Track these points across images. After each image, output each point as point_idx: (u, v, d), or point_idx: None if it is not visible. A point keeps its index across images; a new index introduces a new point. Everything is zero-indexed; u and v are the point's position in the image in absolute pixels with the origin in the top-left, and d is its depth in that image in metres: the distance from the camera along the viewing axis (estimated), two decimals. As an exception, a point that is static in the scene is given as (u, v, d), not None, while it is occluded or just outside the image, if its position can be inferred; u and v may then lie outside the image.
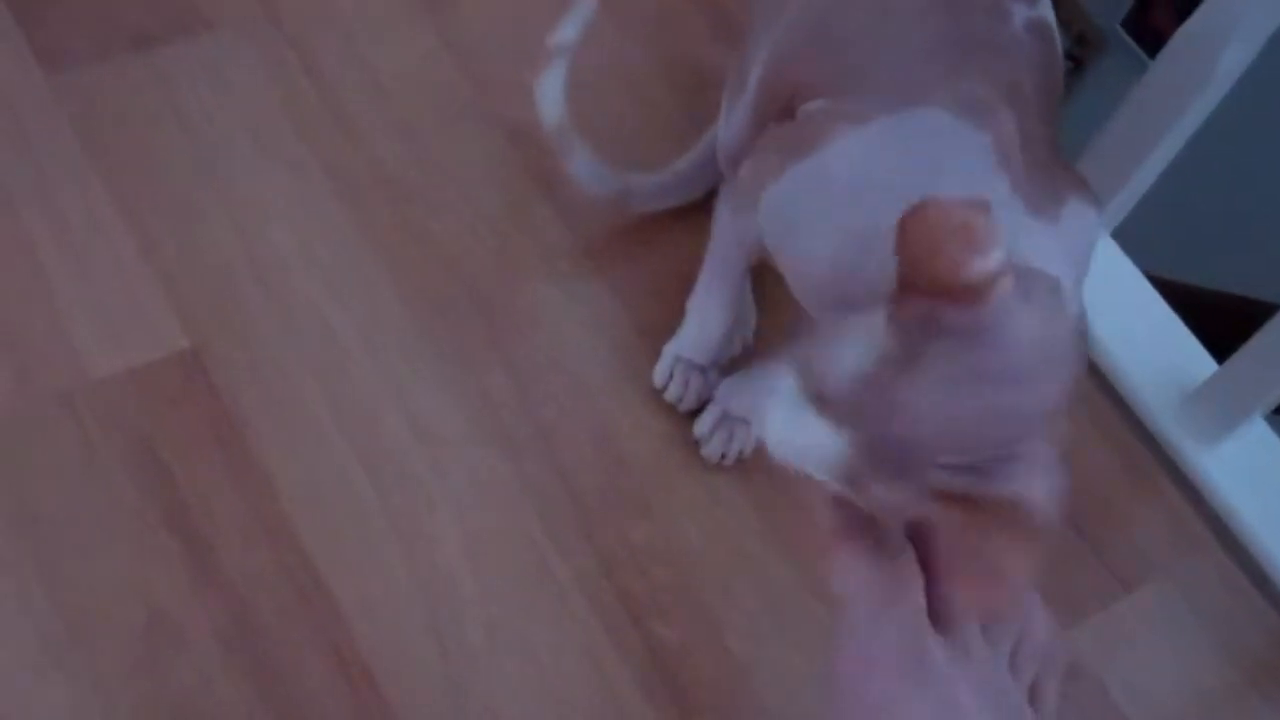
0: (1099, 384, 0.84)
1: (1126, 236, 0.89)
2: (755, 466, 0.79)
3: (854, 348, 0.49)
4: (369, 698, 0.70)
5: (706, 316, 0.80)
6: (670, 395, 0.81)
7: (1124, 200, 0.84)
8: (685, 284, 0.81)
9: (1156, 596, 0.60)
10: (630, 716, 0.72)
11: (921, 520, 0.52)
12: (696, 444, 0.80)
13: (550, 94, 0.80)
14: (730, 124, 0.78)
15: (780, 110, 0.72)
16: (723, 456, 0.80)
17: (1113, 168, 0.82)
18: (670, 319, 0.82)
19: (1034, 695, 0.56)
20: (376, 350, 0.80)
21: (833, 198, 0.63)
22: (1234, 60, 0.75)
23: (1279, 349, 0.77)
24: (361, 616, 0.72)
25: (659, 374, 0.81)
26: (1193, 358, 0.84)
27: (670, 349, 0.82)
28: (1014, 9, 0.65)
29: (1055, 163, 0.63)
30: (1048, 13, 0.67)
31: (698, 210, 0.85)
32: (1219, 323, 0.84)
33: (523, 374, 0.81)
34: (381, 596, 0.73)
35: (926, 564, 0.53)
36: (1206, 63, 0.75)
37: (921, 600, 0.53)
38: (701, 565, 0.77)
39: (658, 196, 0.86)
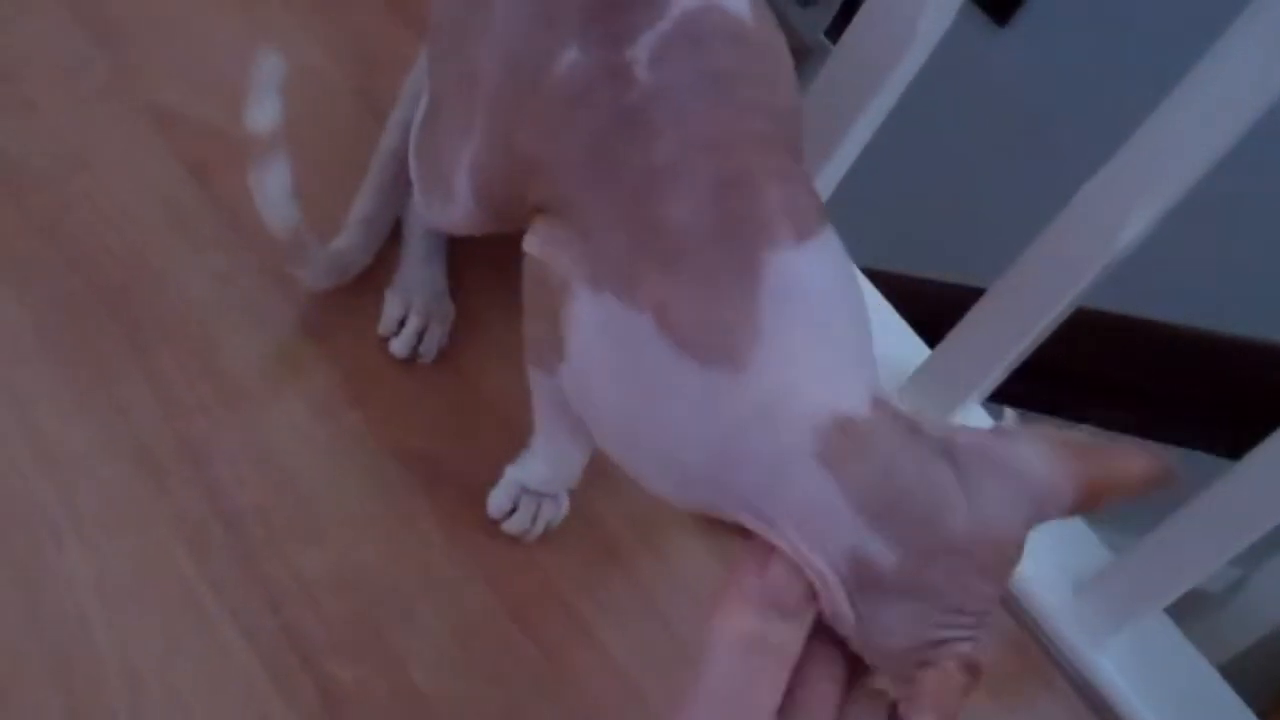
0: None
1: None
2: (439, 477, 0.70)
3: None
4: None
5: (560, 450, 0.67)
6: (513, 526, 0.68)
7: (825, 181, 0.80)
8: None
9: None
10: (302, 772, 0.62)
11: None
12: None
13: (275, 195, 0.65)
14: (443, 186, 0.66)
15: (511, 196, 0.60)
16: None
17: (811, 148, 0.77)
18: (342, 315, 0.73)
19: None
20: (-11, 361, 0.68)
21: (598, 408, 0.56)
22: (931, 25, 0.70)
23: (989, 333, 0.73)
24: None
25: (497, 504, 0.68)
26: (905, 344, 0.80)
27: (514, 476, 0.68)
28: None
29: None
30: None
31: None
32: (936, 311, 0.80)
33: (166, 383, 0.70)
34: (-5, 651, 0.62)
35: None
36: (903, 28, 0.70)
37: (779, 689, 0.47)
38: (382, 593, 0.67)
39: (366, 251, 0.74)
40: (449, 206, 0.66)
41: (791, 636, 0.47)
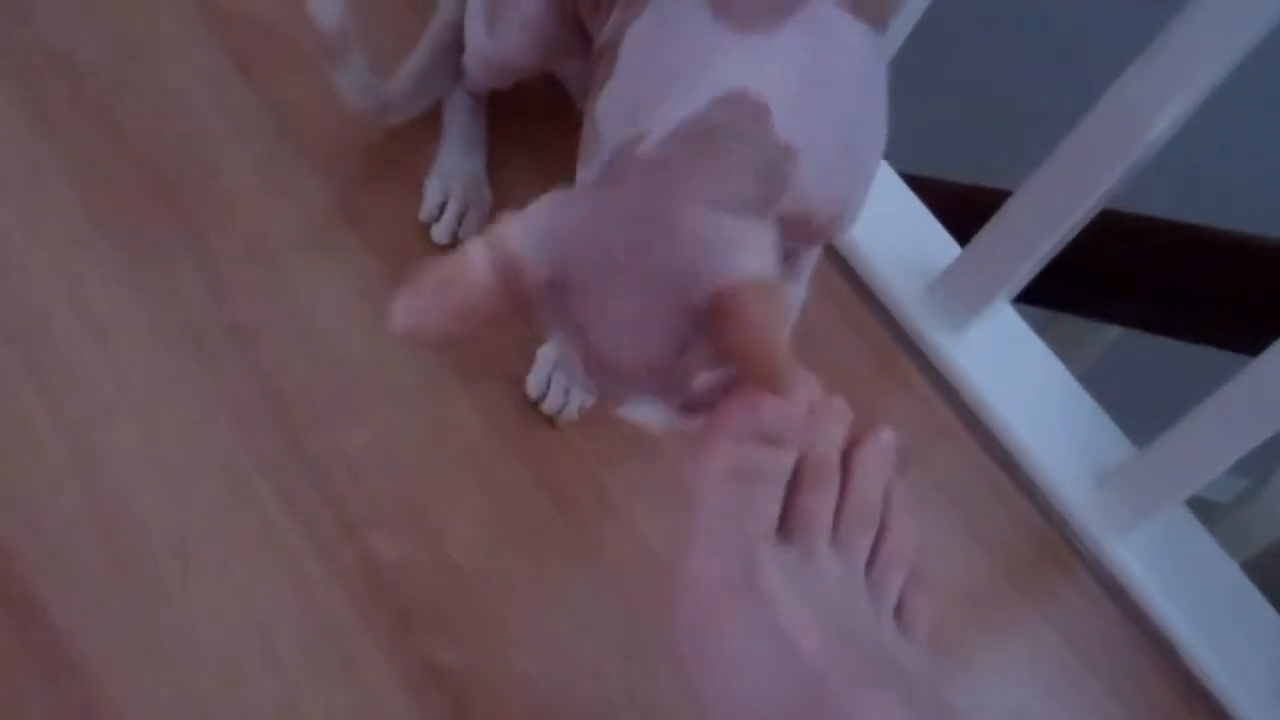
0: (843, 272, 0.80)
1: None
2: (478, 361, 0.72)
3: None
4: (36, 633, 0.61)
5: None
6: (549, 405, 0.70)
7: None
8: (398, 160, 0.74)
9: (909, 489, 0.57)
10: (343, 638, 0.64)
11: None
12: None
13: None
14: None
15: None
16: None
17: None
18: (382, 203, 0.74)
19: (901, 611, 0.52)
20: (43, 240, 0.70)
21: None
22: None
23: (1018, 231, 0.74)
24: (26, 541, 0.63)
25: (534, 383, 0.70)
26: (937, 243, 0.81)
27: (546, 353, 0.70)
28: None
29: None
30: None
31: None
32: (964, 215, 0.81)
33: (215, 265, 0.72)
34: (49, 519, 0.64)
35: None
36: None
37: (773, 512, 0.49)
38: (423, 471, 0.69)
39: (408, 104, 0.75)
40: (518, 12, 0.68)
41: (780, 461, 0.49)
